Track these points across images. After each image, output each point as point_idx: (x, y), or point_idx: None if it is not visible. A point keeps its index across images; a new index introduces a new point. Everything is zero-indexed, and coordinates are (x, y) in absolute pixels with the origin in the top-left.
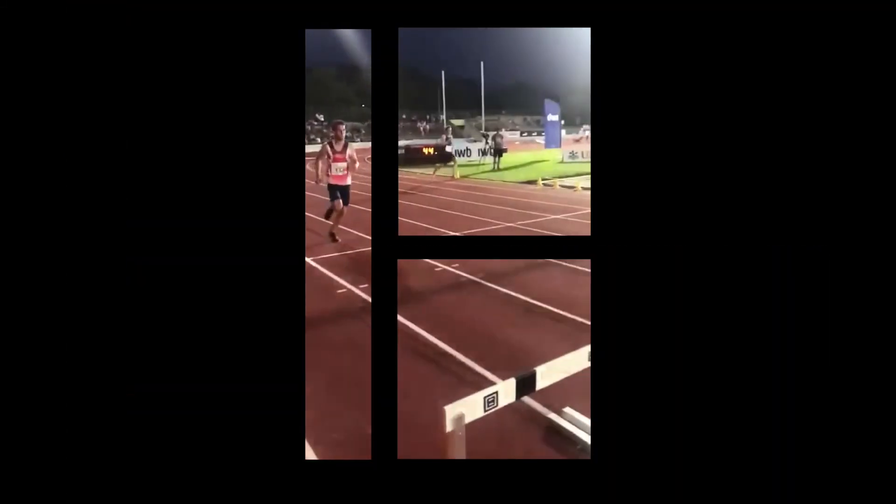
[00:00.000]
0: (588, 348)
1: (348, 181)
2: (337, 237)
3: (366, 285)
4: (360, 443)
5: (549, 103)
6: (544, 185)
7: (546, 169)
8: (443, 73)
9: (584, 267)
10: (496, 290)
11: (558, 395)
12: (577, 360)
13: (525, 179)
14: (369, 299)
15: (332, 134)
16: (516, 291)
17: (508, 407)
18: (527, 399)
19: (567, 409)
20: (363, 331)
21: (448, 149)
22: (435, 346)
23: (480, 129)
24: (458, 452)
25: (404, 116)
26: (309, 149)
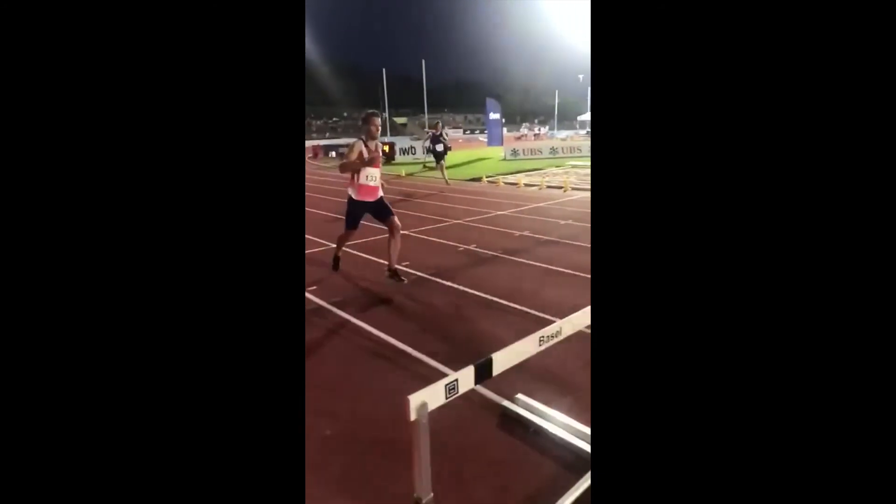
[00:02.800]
0: (537, 334)
1: (380, 194)
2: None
3: (314, 287)
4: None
5: (490, 102)
6: (489, 182)
7: (489, 167)
8: (384, 70)
9: (527, 260)
10: (448, 285)
11: (511, 383)
12: (529, 347)
13: (470, 177)
14: (319, 301)
15: (365, 129)
16: (470, 287)
17: (466, 398)
18: (481, 389)
19: (519, 396)
20: (321, 334)
21: (438, 147)
22: (391, 344)
23: (424, 128)
24: (423, 440)
25: (346, 114)
26: None
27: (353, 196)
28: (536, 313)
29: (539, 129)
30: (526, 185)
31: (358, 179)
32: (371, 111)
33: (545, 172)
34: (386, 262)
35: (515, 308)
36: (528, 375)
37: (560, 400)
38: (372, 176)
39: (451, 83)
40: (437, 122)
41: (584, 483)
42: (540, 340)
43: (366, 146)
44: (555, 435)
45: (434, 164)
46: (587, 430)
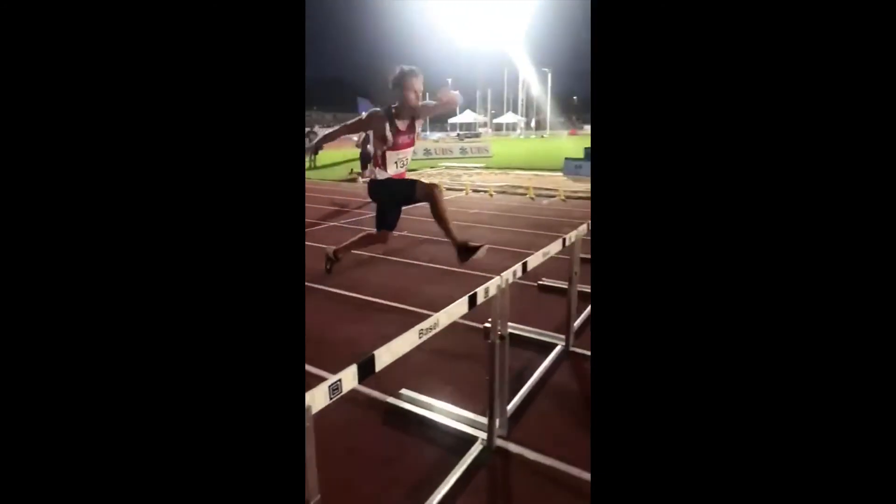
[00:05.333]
0: (417, 328)
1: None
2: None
3: None
4: None
5: (362, 102)
6: (364, 182)
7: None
8: None
9: (406, 259)
10: (325, 290)
11: (395, 379)
12: (409, 340)
13: (343, 178)
14: None
15: (398, 96)
16: (348, 290)
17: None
18: (366, 389)
19: (403, 391)
20: None
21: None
22: None
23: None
24: (309, 445)
25: None
26: None
27: (381, 176)
28: (417, 310)
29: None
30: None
31: (385, 166)
32: (409, 67)
33: (420, 173)
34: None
35: (396, 307)
36: (411, 370)
37: (442, 389)
38: (401, 161)
39: (319, 81)
40: (310, 130)
41: (467, 461)
42: (419, 333)
43: (392, 122)
44: (438, 423)
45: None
46: (467, 414)
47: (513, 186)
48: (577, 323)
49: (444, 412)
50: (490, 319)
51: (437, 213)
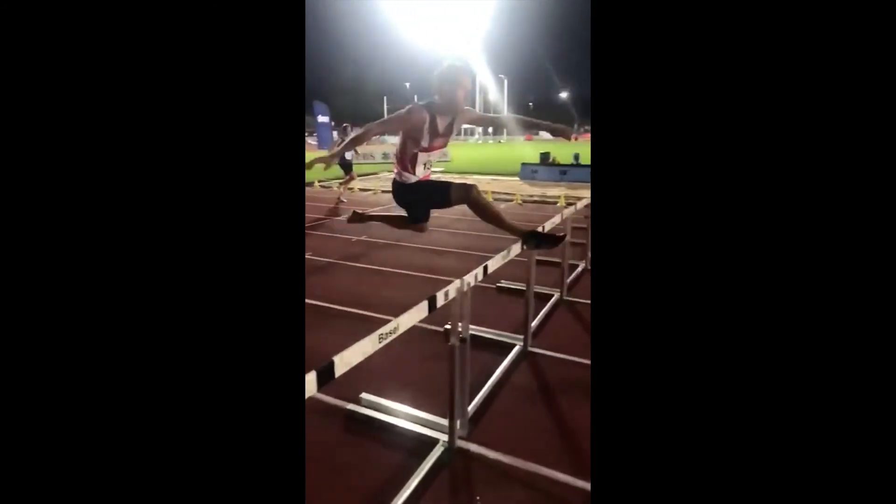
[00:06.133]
0: (376, 333)
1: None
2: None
3: None
4: None
5: (318, 105)
6: (321, 187)
7: (321, 171)
8: None
9: (365, 265)
10: None
11: (355, 385)
12: (368, 345)
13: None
14: None
15: (446, 92)
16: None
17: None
18: (325, 396)
19: (363, 395)
20: None
21: (347, 156)
22: None
23: None
24: None
25: None
26: None
27: (411, 178)
28: (376, 315)
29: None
30: (361, 189)
31: (413, 169)
32: (460, 62)
33: (379, 177)
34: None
35: (355, 313)
36: (371, 375)
37: (403, 393)
38: (429, 162)
39: None
40: (346, 126)
41: (428, 463)
42: (379, 338)
43: (433, 120)
44: (399, 427)
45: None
46: (428, 416)
47: None
48: (534, 323)
49: (405, 416)
50: (450, 322)
51: (484, 214)
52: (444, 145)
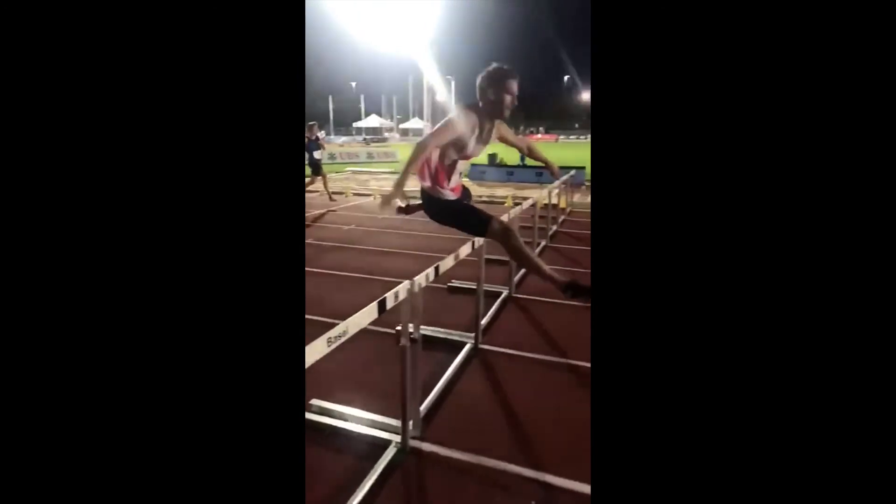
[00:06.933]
0: (325, 336)
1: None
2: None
3: None
4: None
5: None
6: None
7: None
8: None
9: (312, 268)
10: None
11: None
12: (317, 349)
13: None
14: None
15: (494, 97)
16: None
17: None
18: None
19: (313, 401)
20: None
21: (317, 155)
22: None
23: None
24: None
25: None
26: None
27: (449, 195)
28: (325, 319)
29: (320, 134)
30: (308, 190)
31: (449, 179)
32: (505, 67)
33: (329, 178)
34: None
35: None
36: (321, 380)
37: (354, 396)
38: (464, 172)
39: None
40: (313, 124)
41: (381, 465)
42: (328, 342)
43: (482, 124)
44: (351, 431)
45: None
46: (380, 419)
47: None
48: (484, 321)
49: (357, 419)
50: (401, 324)
51: (520, 259)
52: (479, 154)
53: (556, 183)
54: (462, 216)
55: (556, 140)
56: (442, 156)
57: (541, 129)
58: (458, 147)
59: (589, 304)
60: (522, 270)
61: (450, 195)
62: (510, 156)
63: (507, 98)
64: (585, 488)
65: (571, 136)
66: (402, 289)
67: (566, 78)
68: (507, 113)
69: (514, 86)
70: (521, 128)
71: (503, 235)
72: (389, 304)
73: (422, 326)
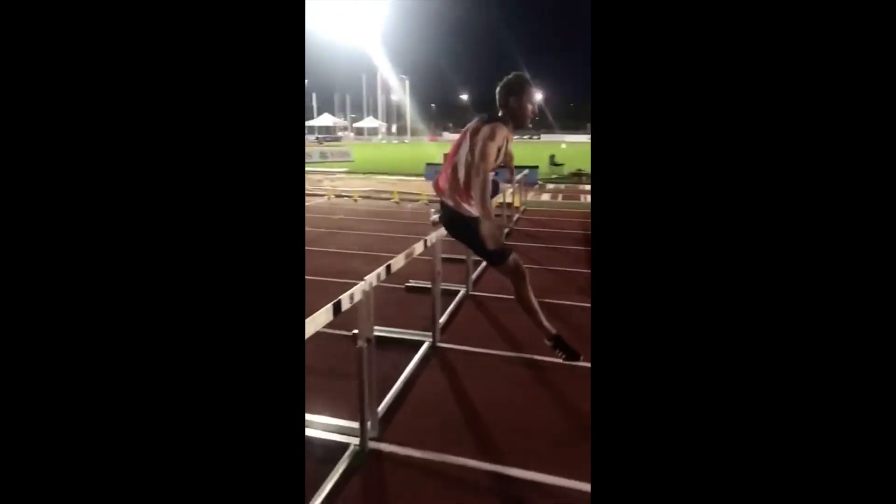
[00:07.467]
0: None
1: None
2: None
3: None
4: None
5: None
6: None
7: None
8: None
9: None
10: None
11: None
12: None
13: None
14: None
15: (515, 106)
16: None
17: None
18: None
19: None
20: None
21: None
22: None
23: None
24: None
25: None
26: None
27: (473, 212)
28: None
29: None
30: (336, 196)
31: (470, 193)
32: (524, 75)
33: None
34: None
35: None
36: None
37: (311, 401)
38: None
39: None
40: None
41: (340, 468)
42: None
43: (509, 138)
44: (308, 436)
45: None
46: (338, 422)
47: (377, 191)
48: (442, 319)
49: (314, 424)
50: (357, 325)
51: (521, 298)
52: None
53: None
54: (482, 240)
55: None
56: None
57: None
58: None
59: (571, 362)
60: (480, 268)
61: (473, 211)
62: None
63: (529, 107)
64: (547, 479)
65: (524, 136)
66: (358, 290)
67: None
68: (529, 122)
69: (534, 94)
70: None
71: (516, 275)
72: (345, 306)
73: (380, 327)
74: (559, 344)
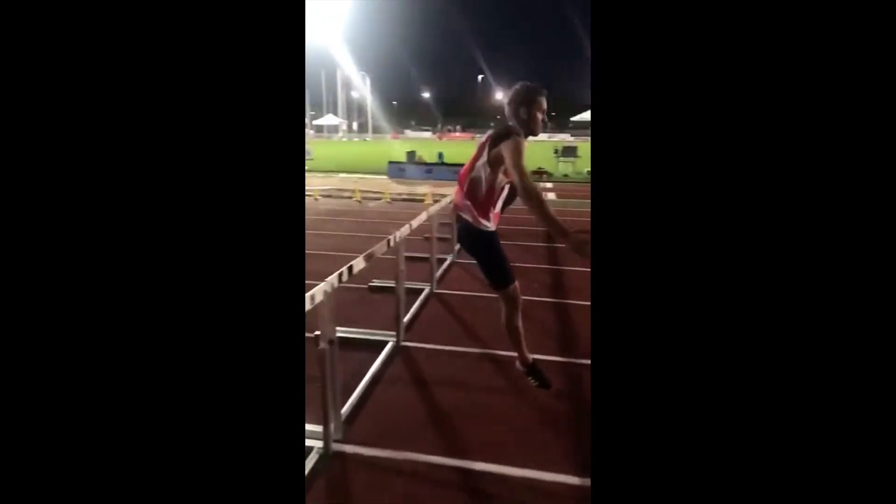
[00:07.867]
0: None
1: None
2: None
3: None
4: None
5: None
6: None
7: None
8: None
9: None
10: None
11: None
12: None
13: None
14: None
15: (527, 116)
16: None
17: None
18: None
19: None
20: None
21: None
22: None
23: None
24: None
25: None
26: None
27: (490, 226)
28: None
29: None
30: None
31: (495, 204)
32: (533, 84)
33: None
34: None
35: None
36: None
37: None
38: (503, 197)
39: None
40: None
41: (308, 466)
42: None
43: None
44: None
45: None
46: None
47: (339, 190)
48: (406, 318)
49: None
50: (319, 326)
51: (510, 324)
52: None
53: None
54: (491, 259)
55: (473, 138)
56: (492, 181)
57: (457, 127)
58: (506, 172)
59: (543, 389)
60: (444, 266)
61: (490, 226)
62: (429, 153)
63: (539, 116)
64: (512, 471)
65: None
66: (319, 291)
67: (480, 77)
68: (539, 131)
69: (544, 103)
70: (439, 126)
71: (511, 302)
72: (306, 308)
73: (343, 328)
74: (533, 371)
